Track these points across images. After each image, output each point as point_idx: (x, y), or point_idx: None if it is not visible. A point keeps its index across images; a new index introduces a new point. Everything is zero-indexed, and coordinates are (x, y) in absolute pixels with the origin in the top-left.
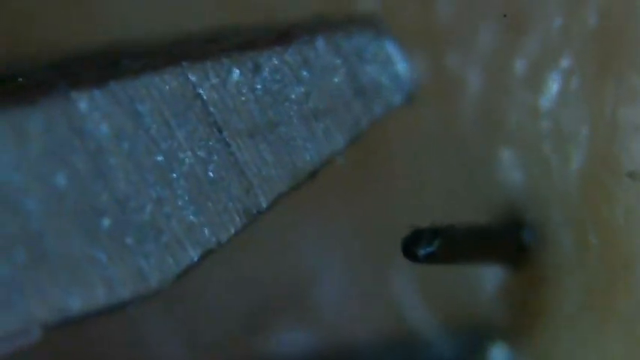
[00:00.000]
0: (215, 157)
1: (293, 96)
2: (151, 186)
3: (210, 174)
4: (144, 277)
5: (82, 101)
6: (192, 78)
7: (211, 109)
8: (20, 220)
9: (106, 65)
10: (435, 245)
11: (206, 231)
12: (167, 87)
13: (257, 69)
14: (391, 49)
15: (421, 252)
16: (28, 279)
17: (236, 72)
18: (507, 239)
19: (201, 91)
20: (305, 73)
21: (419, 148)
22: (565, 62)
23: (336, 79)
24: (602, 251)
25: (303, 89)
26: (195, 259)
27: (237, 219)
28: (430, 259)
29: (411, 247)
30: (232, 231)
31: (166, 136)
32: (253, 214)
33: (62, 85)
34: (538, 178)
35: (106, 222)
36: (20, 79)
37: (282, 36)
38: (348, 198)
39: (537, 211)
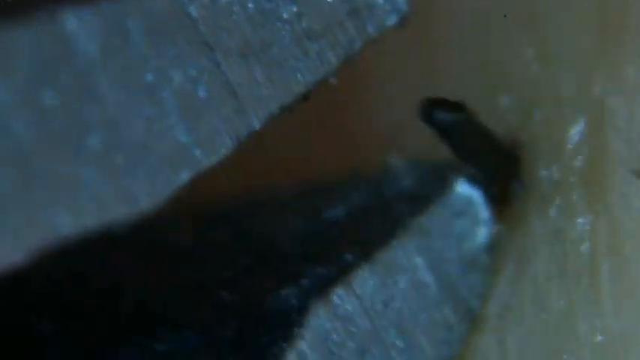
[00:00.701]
0: (205, 77)
1: (285, 15)
2: (140, 105)
3: (201, 93)
4: (134, 198)
5: (69, 19)
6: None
7: (201, 27)
8: (8, 140)
9: None
10: (460, 116)
11: (196, 151)
12: (156, 5)
13: None
14: None
15: (442, 116)
16: (16, 200)
17: None
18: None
19: (191, 10)
20: None
21: None
22: None
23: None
24: None
25: (295, 9)
26: (186, 180)
27: (228, 139)
28: (448, 128)
29: (434, 110)
30: (223, 152)
31: (155, 55)
32: (244, 135)
33: (49, 3)
34: None
35: (95, 141)
36: None
37: None
38: None
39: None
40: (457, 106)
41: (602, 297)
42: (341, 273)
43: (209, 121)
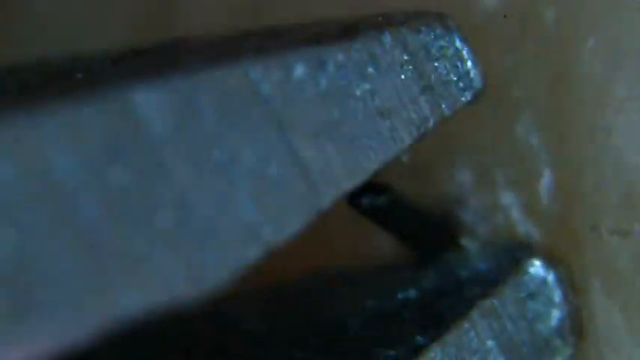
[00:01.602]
0: (277, 155)
1: (358, 93)
2: (210, 182)
3: (271, 171)
4: (202, 276)
5: (140, 96)
6: (254, 74)
7: (273, 105)
8: (77, 217)
9: (165, 60)
10: (382, 200)
11: (267, 229)
12: (227, 83)
13: (321, 65)
14: (460, 45)
15: (366, 201)
16: (84, 278)
17: (299, 68)
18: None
19: (263, 87)
20: (371, 69)
21: None
22: None
23: (403, 76)
24: None
25: (369, 86)
26: (255, 258)
27: (299, 218)
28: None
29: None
30: (293, 230)
31: (226, 132)
32: (315, 214)
33: (121, 80)
34: None
35: (165, 219)
36: (79, 75)
37: (347, 31)
38: None
39: None
40: (381, 189)
41: None
42: (412, 356)
43: (279, 199)
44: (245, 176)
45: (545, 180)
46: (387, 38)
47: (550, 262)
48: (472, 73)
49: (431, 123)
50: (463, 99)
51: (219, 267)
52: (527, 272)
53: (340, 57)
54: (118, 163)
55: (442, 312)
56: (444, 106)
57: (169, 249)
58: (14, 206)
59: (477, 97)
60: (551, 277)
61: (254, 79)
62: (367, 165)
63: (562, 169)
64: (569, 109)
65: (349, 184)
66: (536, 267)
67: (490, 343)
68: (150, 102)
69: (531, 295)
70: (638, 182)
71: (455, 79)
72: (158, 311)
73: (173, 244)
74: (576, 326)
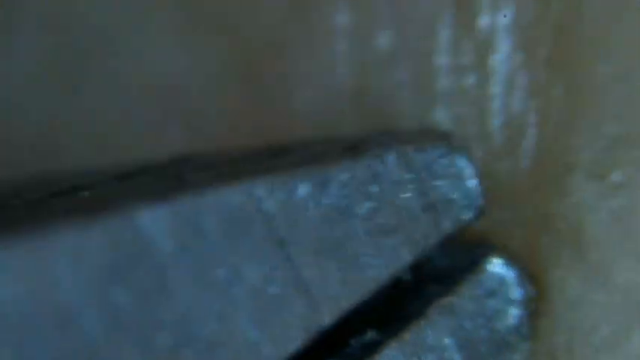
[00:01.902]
0: (279, 274)
1: (361, 212)
2: (212, 301)
3: (273, 290)
4: None
5: (145, 216)
6: (258, 192)
7: (276, 224)
8: (78, 336)
9: (170, 179)
10: None
11: (268, 348)
12: (232, 202)
13: (325, 184)
14: (462, 164)
15: None
16: None
17: (303, 187)
18: None
19: (266, 206)
20: (374, 188)
21: None
22: None
23: (405, 195)
24: None
25: (371, 205)
26: None
27: (300, 336)
28: None
29: None
30: (294, 347)
31: (229, 251)
32: (316, 331)
33: (125, 200)
34: None
35: (165, 337)
36: (84, 193)
37: (351, 149)
38: None
39: None
40: None
41: None
42: (368, 352)
43: (280, 317)
44: (247, 295)
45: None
46: (391, 157)
47: (509, 260)
48: (474, 192)
49: (432, 241)
50: (465, 217)
51: None
52: (486, 270)
53: (343, 176)
54: (122, 283)
55: (399, 309)
56: (445, 224)
57: None
58: (16, 326)
59: (479, 214)
60: (510, 275)
61: (258, 197)
62: (368, 283)
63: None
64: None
65: (349, 302)
66: (495, 265)
67: (448, 340)
68: (155, 222)
69: (490, 293)
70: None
71: (457, 197)
72: None
73: None
74: (534, 324)
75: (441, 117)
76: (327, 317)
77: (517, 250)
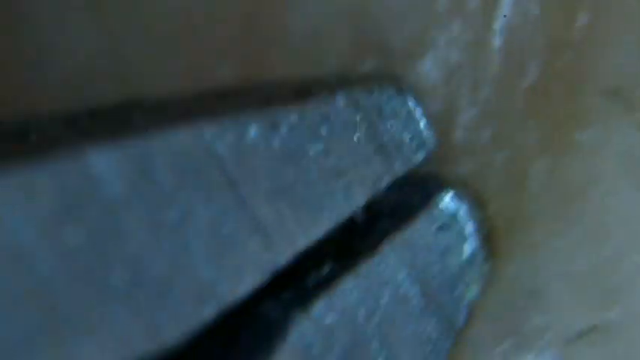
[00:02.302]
0: (231, 214)
1: (312, 153)
2: (165, 242)
3: (227, 231)
4: (158, 333)
5: (95, 158)
6: (208, 135)
7: (227, 166)
8: (31, 277)
9: (119, 121)
10: None
11: (222, 287)
12: (181, 143)
13: (275, 126)
14: (412, 105)
15: None
16: (40, 338)
17: (253, 129)
18: None
19: (216, 148)
20: (324, 130)
21: None
22: None
23: (356, 137)
24: None
25: (322, 147)
26: (212, 315)
27: (256, 274)
28: None
29: None
30: (250, 287)
31: (181, 193)
32: (271, 271)
33: (74, 142)
34: None
35: (120, 278)
36: (33, 136)
37: (300, 92)
38: None
39: None
40: None
41: None
42: (323, 285)
43: (235, 257)
44: (199, 236)
45: None
46: (340, 99)
47: (462, 194)
48: (425, 132)
49: (384, 182)
50: (416, 157)
51: (175, 325)
52: (438, 205)
53: (293, 118)
54: (73, 224)
55: (353, 246)
56: (397, 165)
57: (125, 308)
58: None
59: (430, 154)
60: (462, 210)
61: (208, 139)
62: (322, 222)
63: None
64: None
65: (304, 240)
66: (448, 200)
67: (402, 275)
68: (104, 163)
69: (443, 228)
70: None
71: (408, 138)
72: None
73: (128, 303)
74: (488, 258)
75: (439, 41)
76: (282, 256)
77: (470, 183)
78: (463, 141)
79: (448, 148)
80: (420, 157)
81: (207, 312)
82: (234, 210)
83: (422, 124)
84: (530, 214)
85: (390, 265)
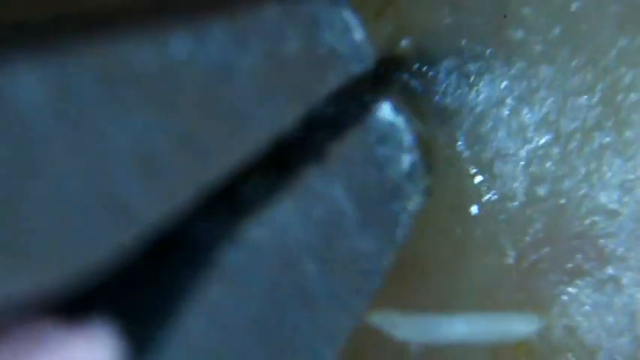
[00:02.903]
0: (159, 132)
1: (242, 67)
2: (82, 160)
3: (155, 149)
4: (73, 256)
5: (13, 79)
6: (128, 51)
7: (153, 83)
8: None
9: (43, 35)
10: None
11: (145, 206)
12: (102, 59)
13: (200, 40)
14: (348, 15)
15: None
16: None
17: (177, 44)
18: None
19: (137, 65)
20: (254, 42)
21: None
22: None
23: (290, 48)
24: None
25: (252, 59)
26: (133, 236)
27: (182, 194)
28: None
29: None
30: (177, 206)
31: (104, 113)
32: (200, 189)
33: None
34: None
35: (35, 194)
36: None
37: (228, 2)
38: None
39: None
40: None
41: None
42: (259, 201)
43: (165, 175)
44: (121, 154)
45: None
46: (272, 9)
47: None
48: (362, 44)
49: (320, 94)
50: (353, 69)
51: (91, 247)
52: (375, 116)
53: (220, 30)
54: None
55: (288, 160)
56: (333, 77)
57: (39, 226)
58: None
59: (367, 67)
60: (400, 121)
61: (131, 56)
62: (254, 137)
63: None
64: None
65: (235, 157)
66: (385, 110)
67: (338, 190)
68: (25, 77)
69: (380, 140)
70: None
71: (344, 49)
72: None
73: (42, 222)
74: (426, 171)
75: None
76: (211, 173)
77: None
78: None
79: None
80: (356, 68)
81: (128, 233)
82: (158, 128)
83: (358, 35)
84: None
85: (325, 181)
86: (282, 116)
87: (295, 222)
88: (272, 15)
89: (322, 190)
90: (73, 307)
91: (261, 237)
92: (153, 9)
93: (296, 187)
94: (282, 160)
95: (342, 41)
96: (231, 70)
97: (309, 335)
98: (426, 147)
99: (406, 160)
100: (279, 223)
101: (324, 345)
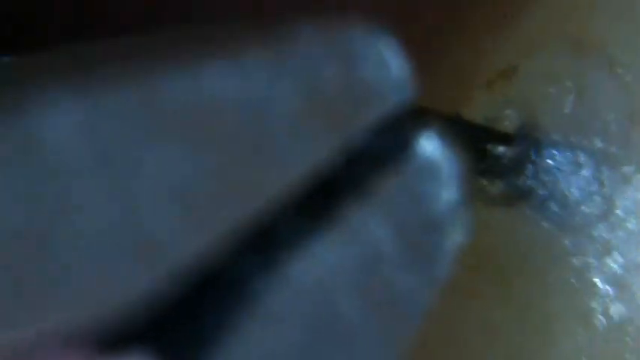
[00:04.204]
0: (186, 166)
1: (275, 96)
2: (111, 194)
3: (180, 183)
4: (101, 295)
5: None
6: (163, 84)
7: (181, 116)
8: None
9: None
10: None
11: (175, 244)
12: (137, 93)
13: (237, 73)
14: (389, 48)
15: None
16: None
17: (213, 77)
18: None
19: (175, 100)
20: (292, 74)
21: None
22: None
23: (326, 81)
24: None
25: (287, 88)
26: (163, 274)
27: (214, 231)
28: None
29: None
30: (208, 245)
31: (130, 142)
32: (234, 227)
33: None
34: None
35: (63, 231)
36: None
37: (266, 29)
38: None
39: None
40: None
41: None
42: (300, 240)
43: (189, 211)
44: (150, 188)
45: None
46: (311, 39)
47: (444, 139)
48: (399, 76)
49: (358, 129)
50: (392, 104)
51: (120, 287)
52: (417, 150)
53: (257, 63)
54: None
55: (327, 198)
56: (371, 111)
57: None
58: None
59: (406, 100)
60: (443, 155)
61: (162, 89)
62: (293, 172)
63: None
64: None
65: (269, 193)
66: (428, 144)
67: (380, 229)
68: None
69: (422, 175)
70: None
71: (383, 84)
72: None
73: (72, 260)
74: (468, 208)
75: None
76: (250, 207)
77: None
78: None
79: None
80: (397, 101)
81: (162, 269)
82: (193, 162)
83: (398, 67)
84: None
85: (367, 220)
86: (319, 151)
87: (334, 258)
88: (309, 47)
89: (362, 226)
90: (111, 341)
91: (300, 273)
92: (189, 40)
93: (335, 223)
94: (322, 196)
95: (380, 74)
96: (268, 103)
97: None
98: (469, 183)
99: (447, 195)
100: (318, 259)
101: None
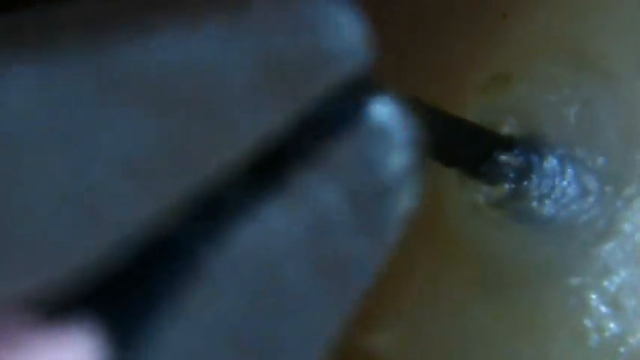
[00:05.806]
0: (146, 137)
1: (229, 63)
2: (66, 157)
3: (133, 150)
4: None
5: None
6: (115, 52)
7: (139, 83)
8: None
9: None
10: None
11: (124, 211)
12: (89, 61)
13: (189, 40)
14: (343, 14)
15: None
16: None
17: (164, 44)
18: None
19: (126, 68)
20: (244, 41)
21: None
22: None
23: (279, 47)
24: None
25: (238, 56)
26: (112, 242)
27: (164, 200)
28: None
29: None
30: (160, 213)
31: (97, 113)
32: (183, 195)
33: None
34: None
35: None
36: None
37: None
38: None
39: None
40: None
41: None
42: (242, 205)
43: (140, 177)
44: (104, 155)
45: None
46: (264, 9)
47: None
48: (357, 45)
49: (311, 96)
50: (347, 70)
51: (65, 255)
52: (368, 115)
53: (209, 29)
54: None
55: (276, 159)
56: (325, 77)
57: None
58: None
59: (364, 65)
60: (393, 120)
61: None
62: (245, 139)
63: None
64: None
65: (225, 158)
66: (379, 110)
67: (330, 193)
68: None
69: (372, 140)
70: None
71: (338, 50)
72: None
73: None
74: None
75: None
76: (200, 174)
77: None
78: None
79: None
80: (351, 67)
81: (112, 236)
82: (143, 129)
83: (353, 33)
84: None
85: (317, 185)
86: (271, 117)
87: (281, 223)
88: (263, 12)
89: (311, 191)
90: (54, 307)
91: (245, 239)
92: (144, 4)
93: (284, 190)
94: (273, 162)
95: (336, 39)
96: (221, 68)
97: (295, 337)
98: (419, 148)
99: (398, 161)
100: (264, 224)
101: (309, 348)
